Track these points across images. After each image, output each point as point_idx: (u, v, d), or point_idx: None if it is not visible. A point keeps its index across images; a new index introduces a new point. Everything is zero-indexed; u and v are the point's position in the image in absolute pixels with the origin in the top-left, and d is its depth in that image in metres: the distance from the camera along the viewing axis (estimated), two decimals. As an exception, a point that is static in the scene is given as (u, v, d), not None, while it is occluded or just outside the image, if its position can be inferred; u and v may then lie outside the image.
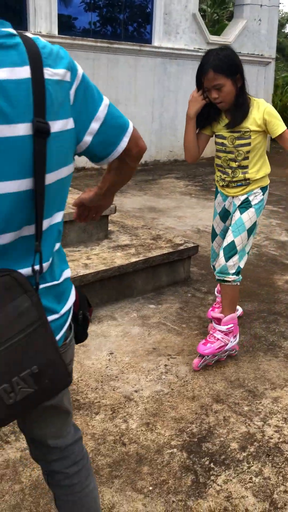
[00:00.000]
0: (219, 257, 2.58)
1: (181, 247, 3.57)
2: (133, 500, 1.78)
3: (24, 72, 0.94)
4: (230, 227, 2.59)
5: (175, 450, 2.03)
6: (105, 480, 1.86)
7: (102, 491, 1.81)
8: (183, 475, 1.91)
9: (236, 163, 2.54)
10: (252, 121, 2.44)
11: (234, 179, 2.57)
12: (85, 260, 3.22)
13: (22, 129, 0.93)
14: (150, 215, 5.41)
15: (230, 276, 2.54)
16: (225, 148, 2.55)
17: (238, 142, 2.49)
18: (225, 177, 2.60)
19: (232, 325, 2.62)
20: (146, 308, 3.27)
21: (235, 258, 2.53)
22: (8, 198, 0.95)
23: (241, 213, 2.57)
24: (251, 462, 1.99)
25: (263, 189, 2.61)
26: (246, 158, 2.51)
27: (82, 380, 2.46)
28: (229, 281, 2.55)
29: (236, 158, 2.53)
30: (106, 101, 1.13)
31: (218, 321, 2.62)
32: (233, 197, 2.63)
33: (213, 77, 2.30)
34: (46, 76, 0.97)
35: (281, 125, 2.43)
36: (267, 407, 2.33)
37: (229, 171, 2.58)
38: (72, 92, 1.05)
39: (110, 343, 2.80)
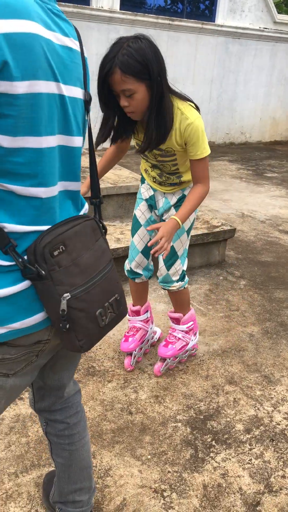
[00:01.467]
0: (159, 266, 2.26)
1: (217, 229, 3.55)
2: (130, 466, 1.84)
3: (77, 46, 1.06)
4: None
5: (179, 424, 2.07)
6: (106, 444, 1.93)
7: (101, 453, 1.88)
8: (183, 448, 1.95)
9: (166, 173, 2.11)
10: (174, 140, 1.91)
11: (168, 182, 2.15)
12: (118, 235, 3.27)
13: (79, 92, 1.07)
14: (195, 196, 5.37)
15: (175, 284, 2.26)
16: (148, 160, 2.09)
17: (161, 158, 2.02)
18: (156, 176, 2.16)
19: (192, 322, 2.43)
20: (174, 286, 3.29)
21: (177, 264, 2.22)
22: (78, 150, 1.10)
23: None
24: (254, 445, 1.99)
25: None
26: (176, 170, 2.07)
27: (100, 348, 2.54)
28: (174, 290, 2.29)
29: (163, 170, 2.09)
30: None
31: (177, 321, 2.41)
32: (164, 193, 2.20)
33: (121, 79, 1.66)
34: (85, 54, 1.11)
35: (203, 150, 1.90)
36: (281, 394, 2.31)
37: (160, 175, 2.14)
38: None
39: (133, 317, 2.86)
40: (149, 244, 1.84)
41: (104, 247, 1.16)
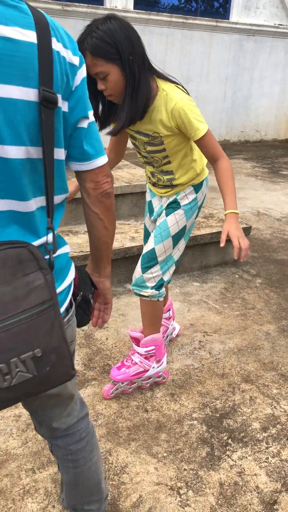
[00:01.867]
0: (136, 267, 2.12)
1: (232, 227, 3.52)
2: (146, 463, 1.84)
3: (29, 36, 0.90)
4: (153, 231, 2.09)
5: (195, 422, 2.07)
6: (122, 441, 1.94)
7: (117, 451, 1.89)
8: (199, 446, 1.94)
9: (156, 169, 2.02)
10: (159, 123, 1.81)
11: (160, 183, 2.07)
12: (133, 234, 3.28)
13: (21, 93, 0.89)
14: (210, 194, 5.36)
15: (147, 290, 2.06)
16: (140, 151, 2.00)
17: (149, 148, 1.92)
18: (150, 176, 2.11)
19: (153, 347, 2.16)
20: (189, 285, 3.28)
21: (155, 269, 2.04)
22: (17, 163, 0.91)
23: (167, 214, 2.05)
24: (270, 443, 1.98)
25: (197, 186, 2.05)
26: (167, 163, 1.96)
27: (116, 346, 2.54)
28: (145, 296, 2.08)
29: (153, 164, 2.00)
30: (92, 113, 1.06)
31: (137, 341, 2.19)
32: (161, 196, 2.13)
33: (92, 62, 1.64)
34: (54, 47, 0.93)
35: (199, 127, 1.78)
36: (297, 392, 2.29)
37: (153, 174, 2.07)
38: (78, 77, 1.00)
39: (149, 315, 2.86)
40: (235, 257, 1.72)
41: (37, 284, 0.89)
